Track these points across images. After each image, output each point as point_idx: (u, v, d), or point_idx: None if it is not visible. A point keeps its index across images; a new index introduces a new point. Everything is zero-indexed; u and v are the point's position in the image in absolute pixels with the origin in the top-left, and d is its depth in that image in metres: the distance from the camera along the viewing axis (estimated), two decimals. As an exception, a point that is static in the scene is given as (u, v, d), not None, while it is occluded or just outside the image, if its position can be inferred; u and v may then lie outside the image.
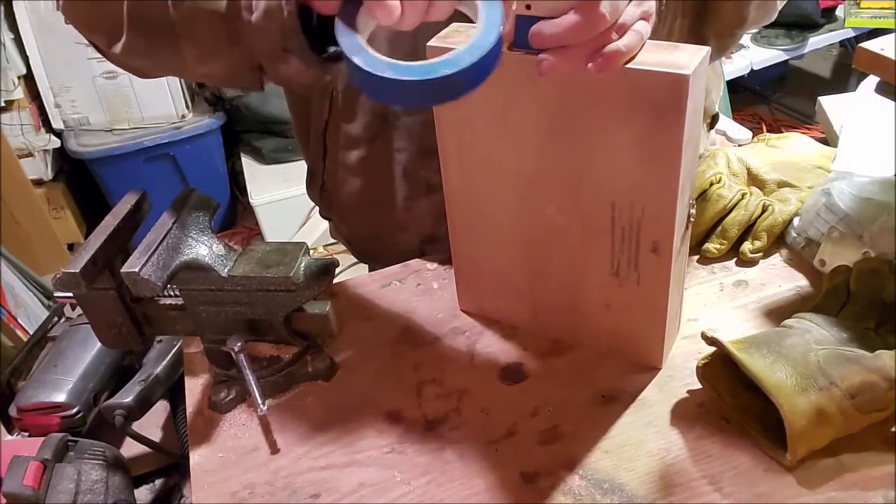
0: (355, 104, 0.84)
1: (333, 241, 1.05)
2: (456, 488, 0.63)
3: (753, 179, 0.87)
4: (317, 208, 1.01)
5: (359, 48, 0.51)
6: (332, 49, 0.59)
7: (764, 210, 0.81)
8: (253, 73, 0.63)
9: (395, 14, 0.51)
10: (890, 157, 0.84)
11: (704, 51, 0.55)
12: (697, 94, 0.56)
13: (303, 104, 0.90)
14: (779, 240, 0.83)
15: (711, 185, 0.81)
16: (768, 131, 2.68)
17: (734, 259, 0.83)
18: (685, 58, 0.54)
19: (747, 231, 0.82)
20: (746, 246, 0.81)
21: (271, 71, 0.62)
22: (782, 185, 0.86)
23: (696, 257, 0.83)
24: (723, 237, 0.81)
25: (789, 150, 0.91)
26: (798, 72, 3.08)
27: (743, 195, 0.81)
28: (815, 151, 0.91)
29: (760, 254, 0.81)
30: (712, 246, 0.82)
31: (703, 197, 0.81)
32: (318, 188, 0.96)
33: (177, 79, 2.32)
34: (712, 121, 0.99)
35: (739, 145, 0.95)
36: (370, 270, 1.04)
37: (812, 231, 0.79)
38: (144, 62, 0.70)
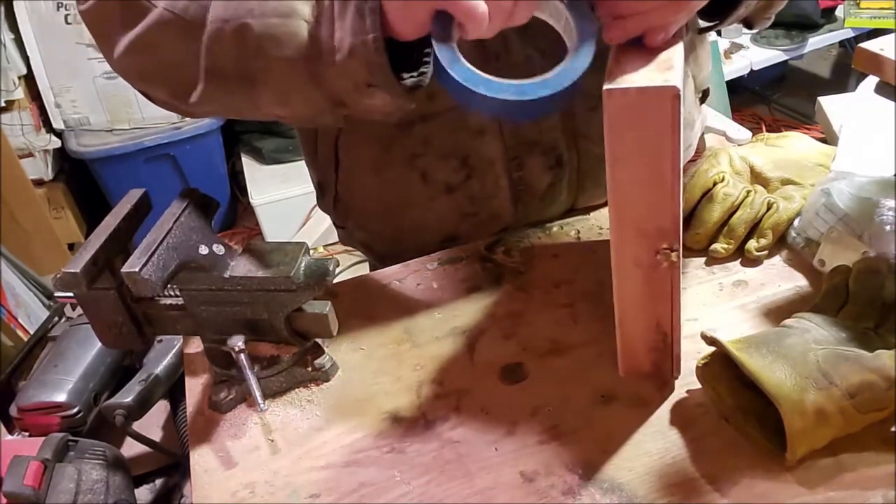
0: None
1: (334, 241, 1.05)
2: (456, 488, 0.63)
3: (757, 178, 0.86)
4: (317, 209, 1.01)
5: (454, 60, 0.53)
6: (409, 78, 0.59)
7: (769, 207, 0.81)
8: (335, 110, 0.63)
9: (484, 27, 0.52)
10: (890, 157, 0.84)
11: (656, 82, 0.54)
12: (639, 118, 0.54)
13: None
14: (779, 240, 0.83)
15: (715, 184, 0.81)
16: (768, 131, 2.68)
17: (734, 259, 0.83)
18: (638, 78, 0.54)
19: (752, 229, 0.82)
20: (752, 244, 0.81)
21: (354, 106, 0.61)
22: (786, 182, 0.86)
23: (704, 258, 0.83)
24: (730, 236, 0.81)
25: (790, 148, 0.91)
26: (798, 72, 3.08)
27: (748, 193, 0.81)
28: (815, 150, 0.91)
29: (766, 252, 0.81)
30: (720, 246, 0.81)
31: (708, 196, 0.81)
32: (332, 200, 0.96)
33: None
34: (703, 95, 0.99)
35: (739, 145, 0.95)
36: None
37: (812, 231, 0.79)
38: (215, 108, 0.69)
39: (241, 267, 0.68)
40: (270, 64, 0.60)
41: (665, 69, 0.54)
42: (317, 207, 1.01)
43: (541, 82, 0.52)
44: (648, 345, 0.69)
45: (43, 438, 1.09)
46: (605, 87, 0.53)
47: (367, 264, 1.06)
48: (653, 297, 0.65)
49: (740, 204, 0.81)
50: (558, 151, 0.86)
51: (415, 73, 0.59)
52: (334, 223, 1.02)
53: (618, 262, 0.63)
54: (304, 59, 0.59)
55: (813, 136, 0.94)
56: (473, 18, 0.51)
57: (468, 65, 0.54)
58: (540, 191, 0.89)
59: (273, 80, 0.62)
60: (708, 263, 0.82)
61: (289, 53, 0.59)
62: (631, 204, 0.59)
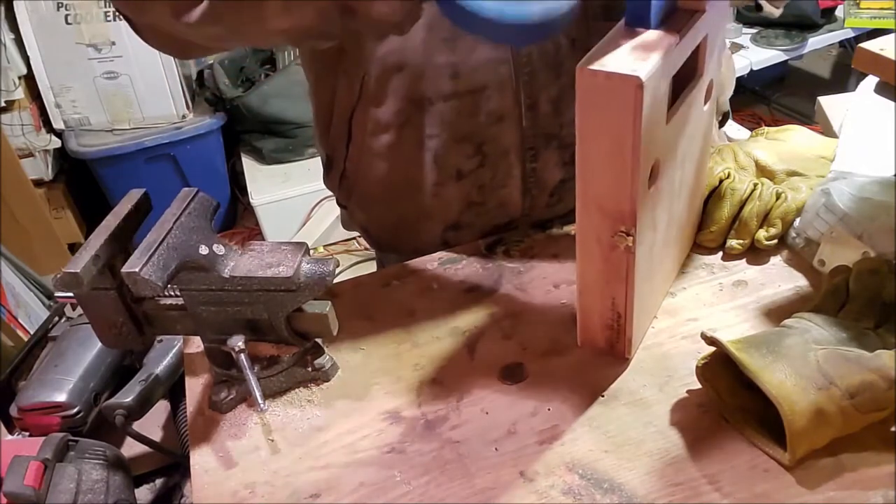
0: (387, 88, 0.83)
1: (334, 241, 1.05)
2: (456, 488, 0.63)
3: (763, 171, 0.87)
4: (317, 208, 1.01)
5: None
6: None
7: (777, 198, 0.81)
8: (343, 16, 0.60)
9: None
10: (890, 157, 0.84)
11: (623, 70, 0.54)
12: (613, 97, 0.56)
13: (327, 89, 0.88)
14: (779, 240, 0.83)
15: (721, 181, 0.81)
16: (768, 131, 2.68)
17: (733, 259, 0.83)
18: (610, 62, 0.55)
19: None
20: (761, 233, 0.81)
21: (363, 11, 0.59)
22: (791, 174, 0.86)
23: (703, 258, 0.83)
24: (743, 231, 0.81)
25: (792, 141, 0.91)
26: (798, 72, 3.08)
27: (755, 186, 0.81)
28: (817, 142, 0.91)
29: (776, 241, 0.81)
30: (735, 242, 0.82)
31: (716, 194, 0.82)
32: (339, 176, 0.95)
33: (177, 79, 2.33)
34: (723, 118, 0.99)
35: (740, 144, 0.95)
36: (384, 262, 1.03)
37: (812, 231, 0.79)
38: (216, 29, 0.65)
39: (241, 267, 0.68)
40: None
41: (640, 59, 0.55)
42: (317, 207, 1.01)
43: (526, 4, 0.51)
44: (604, 321, 0.71)
45: (43, 438, 1.09)
46: (579, 64, 0.55)
47: (366, 265, 1.06)
48: (609, 276, 0.66)
49: (748, 198, 0.81)
50: (574, 148, 0.86)
51: None
52: (337, 201, 1.01)
53: (581, 237, 0.66)
54: None
55: (813, 137, 0.94)
56: None
57: None
58: (550, 186, 0.89)
59: None
60: (724, 259, 0.83)
61: None
62: (594, 180, 0.61)
